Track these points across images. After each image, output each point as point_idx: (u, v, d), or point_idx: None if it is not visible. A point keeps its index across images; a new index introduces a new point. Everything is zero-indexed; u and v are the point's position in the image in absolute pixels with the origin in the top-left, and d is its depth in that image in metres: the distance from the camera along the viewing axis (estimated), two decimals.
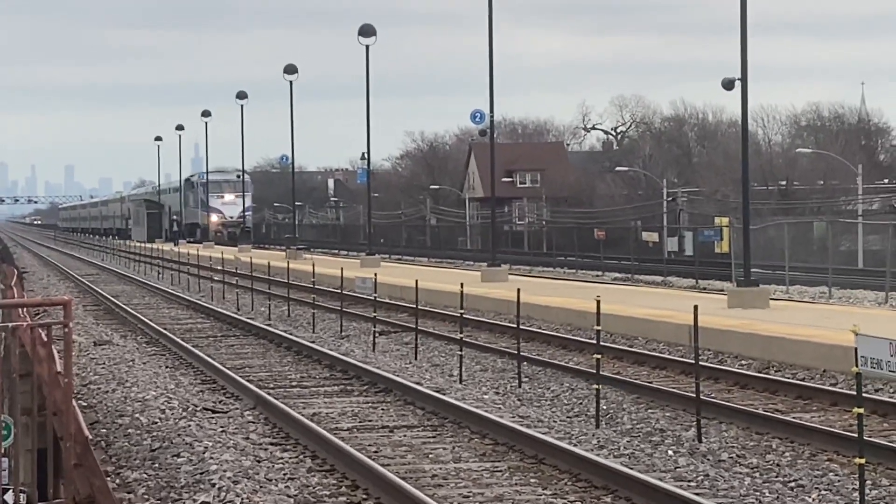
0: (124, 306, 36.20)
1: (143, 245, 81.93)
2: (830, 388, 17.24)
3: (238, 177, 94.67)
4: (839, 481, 12.29)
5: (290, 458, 13.75)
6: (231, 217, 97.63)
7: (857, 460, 10.95)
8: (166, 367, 22.56)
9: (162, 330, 28.31)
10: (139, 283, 50.03)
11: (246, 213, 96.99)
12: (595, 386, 15.96)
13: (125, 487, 12.47)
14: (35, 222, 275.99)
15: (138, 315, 32.78)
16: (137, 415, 16.55)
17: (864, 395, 12.39)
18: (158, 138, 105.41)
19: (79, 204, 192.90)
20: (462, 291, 22.12)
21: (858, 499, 11.06)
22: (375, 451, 13.93)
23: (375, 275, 28.91)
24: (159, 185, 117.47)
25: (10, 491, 9.77)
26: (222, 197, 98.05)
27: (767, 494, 11.78)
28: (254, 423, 16.07)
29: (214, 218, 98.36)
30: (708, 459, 13.36)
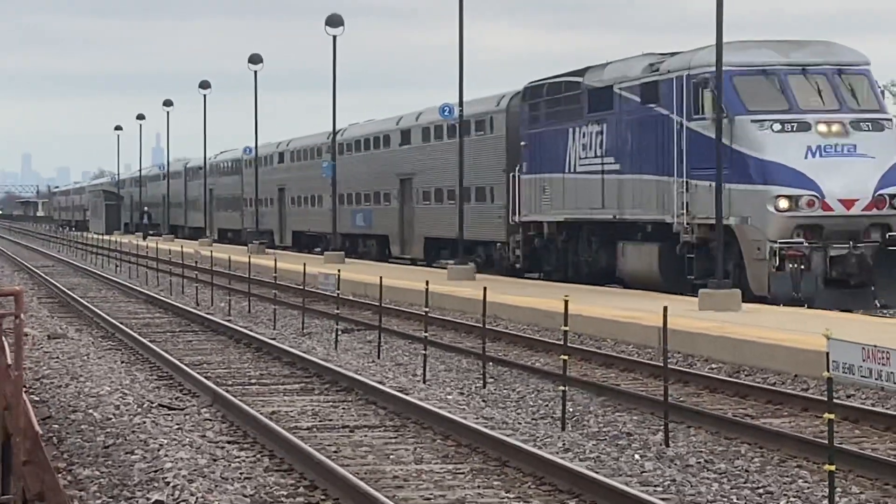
0: (80, 299, 35.78)
1: (101, 237, 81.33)
2: (801, 394, 17.01)
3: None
4: (809, 488, 12.08)
5: (248, 457, 13.46)
6: (855, 198, 27.19)
7: (828, 467, 10.75)
8: (122, 362, 22.20)
9: (118, 324, 27.91)
10: (96, 276, 49.56)
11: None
12: (561, 388, 15.70)
13: (77, 485, 12.17)
14: None
15: (94, 308, 32.37)
16: (91, 410, 16.22)
17: (835, 400, 12.18)
18: (119, 127, 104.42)
19: (89, 185, 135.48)
20: (427, 289, 21.83)
21: None
22: (335, 451, 13.65)
23: (339, 271, 28.58)
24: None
25: None
26: (827, 127, 27.70)
27: (735, 500, 11.55)
28: (211, 420, 15.75)
29: (783, 204, 26.97)
30: (675, 464, 13.13)
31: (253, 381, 19.57)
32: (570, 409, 16.10)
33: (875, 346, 16.53)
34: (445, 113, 42.26)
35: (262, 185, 66.08)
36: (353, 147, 54.40)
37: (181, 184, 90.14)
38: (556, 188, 34.85)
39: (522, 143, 37.16)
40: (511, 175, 37.53)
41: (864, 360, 15.96)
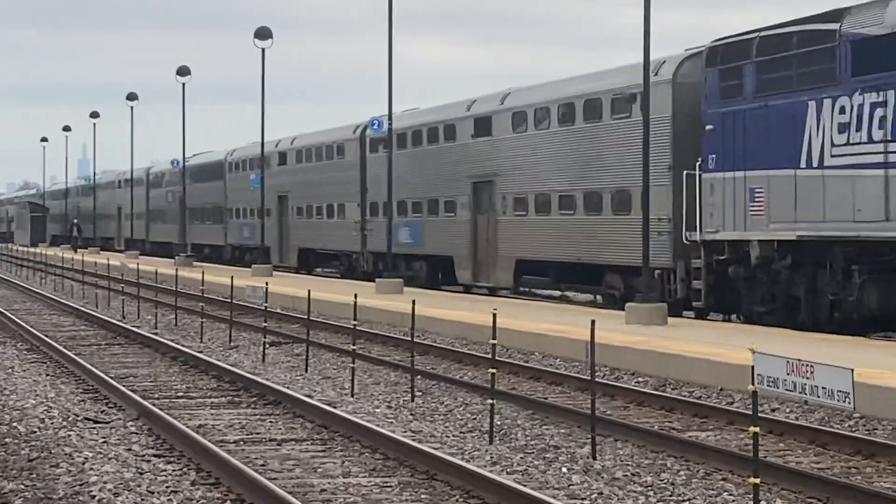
0: (4, 312, 35.39)
1: (26, 249, 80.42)
2: (727, 407, 17.15)
3: None
4: (734, 501, 12.18)
5: (174, 470, 13.36)
6: None
7: (752, 480, 10.82)
8: (47, 375, 21.99)
9: (43, 337, 27.65)
10: (21, 288, 49.06)
11: None
12: (489, 401, 15.73)
13: (0, 498, 12.03)
14: None
15: (19, 321, 32.04)
16: (15, 424, 16.05)
17: (760, 414, 12.29)
18: (44, 139, 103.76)
19: (25, 196, 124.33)
20: (356, 302, 21.80)
21: None
22: (262, 465, 13.59)
23: (267, 284, 28.47)
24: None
25: None
26: None
27: None
28: (137, 434, 15.63)
29: None
30: (602, 477, 13.19)
31: (180, 394, 19.45)
32: (498, 423, 16.14)
33: (799, 360, 16.66)
34: (375, 127, 42.12)
35: (254, 193, 55.63)
36: (394, 143, 41.32)
37: (140, 192, 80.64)
38: (782, 191, 23.20)
39: (708, 128, 25.98)
40: (685, 174, 26.96)
41: (788, 374, 16.03)
